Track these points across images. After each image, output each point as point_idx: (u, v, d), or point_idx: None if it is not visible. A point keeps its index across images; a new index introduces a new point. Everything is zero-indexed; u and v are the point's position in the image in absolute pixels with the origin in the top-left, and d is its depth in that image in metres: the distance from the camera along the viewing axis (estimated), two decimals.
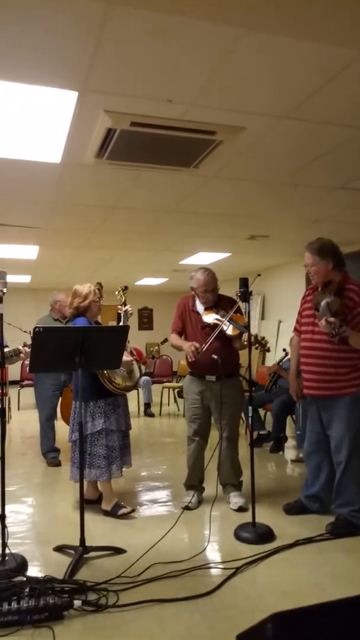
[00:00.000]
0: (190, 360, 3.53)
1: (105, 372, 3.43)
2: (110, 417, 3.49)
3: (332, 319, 2.91)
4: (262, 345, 3.62)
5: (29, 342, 2.96)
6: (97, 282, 4.20)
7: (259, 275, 3.80)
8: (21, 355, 3.15)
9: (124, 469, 3.61)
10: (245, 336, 3.36)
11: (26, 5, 1.93)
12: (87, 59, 2.30)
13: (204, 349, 3.47)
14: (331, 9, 1.97)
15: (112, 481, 3.53)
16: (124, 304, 3.94)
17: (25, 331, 3.02)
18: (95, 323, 3.73)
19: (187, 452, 3.77)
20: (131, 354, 3.80)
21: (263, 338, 3.67)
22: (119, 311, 3.91)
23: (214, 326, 3.54)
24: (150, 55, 2.29)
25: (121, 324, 3.89)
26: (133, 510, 3.55)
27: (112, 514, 3.50)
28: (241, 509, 3.51)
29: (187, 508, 3.55)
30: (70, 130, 3.04)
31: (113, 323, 3.94)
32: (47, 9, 1.95)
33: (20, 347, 3.16)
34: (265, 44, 2.21)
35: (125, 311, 3.87)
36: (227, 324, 3.50)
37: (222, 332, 3.51)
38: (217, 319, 3.56)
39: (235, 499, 3.59)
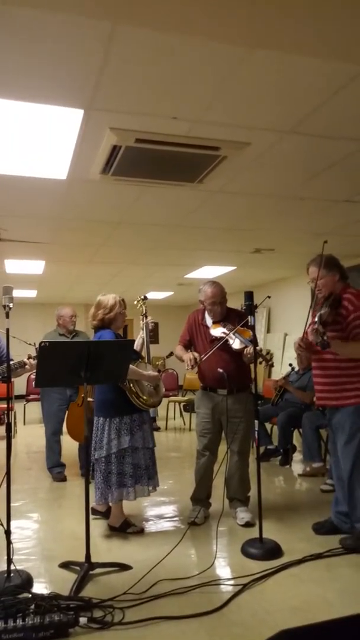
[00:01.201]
0: (186, 368, 3.55)
1: (132, 387, 3.35)
2: (135, 434, 3.38)
3: (315, 327, 3.02)
4: (267, 361, 3.63)
5: (34, 354, 2.97)
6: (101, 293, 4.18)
7: (268, 297, 3.80)
8: (26, 367, 3.13)
9: (153, 490, 3.49)
10: (247, 350, 3.36)
11: (33, 26, 1.97)
12: (93, 78, 2.34)
13: (203, 358, 3.47)
14: (334, 25, 2.01)
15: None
16: (145, 316, 3.87)
17: (29, 343, 3.01)
18: (118, 336, 3.57)
19: (196, 466, 3.75)
20: (158, 370, 3.71)
21: (268, 353, 3.68)
22: (141, 322, 3.86)
23: (220, 340, 3.55)
24: (155, 74, 2.33)
25: (144, 335, 3.81)
26: (142, 530, 3.50)
27: (120, 530, 3.46)
28: (248, 524, 3.48)
29: (193, 523, 3.52)
30: (76, 147, 3.08)
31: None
32: (54, 29, 1.99)
33: (25, 360, 3.14)
34: (269, 60, 2.24)
35: (146, 323, 3.80)
36: (233, 337, 3.50)
37: (230, 346, 3.51)
38: (224, 332, 3.56)
39: (242, 514, 3.56)
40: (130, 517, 3.57)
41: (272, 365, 3.71)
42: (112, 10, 1.90)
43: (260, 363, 3.55)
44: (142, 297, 4.02)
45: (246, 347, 3.43)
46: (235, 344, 3.48)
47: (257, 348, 3.42)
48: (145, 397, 3.42)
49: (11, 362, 3.10)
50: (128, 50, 2.14)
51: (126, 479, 3.32)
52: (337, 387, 3.16)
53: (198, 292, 3.77)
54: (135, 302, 3.94)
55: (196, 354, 3.52)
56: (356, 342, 3.11)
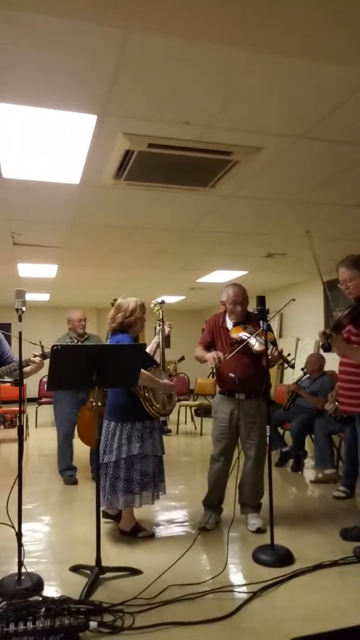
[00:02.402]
0: (210, 367, 3.54)
1: (147, 394, 3.32)
2: (146, 441, 3.35)
3: (323, 330, 3.12)
4: (287, 362, 3.60)
5: (38, 352, 2.97)
6: (113, 299, 4.19)
7: (293, 299, 3.73)
8: (33, 365, 3.09)
9: (158, 498, 3.48)
10: (270, 351, 3.33)
11: (47, 33, 1.99)
12: (106, 84, 2.36)
13: (227, 357, 3.45)
14: (347, 30, 2.00)
15: None
16: (162, 321, 3.81)
17: (34, 343, 2.99)
18: (135, 340, 3.53)
19: (210, 471, 3.72)
20: (170, 375, 3.71)
21: (289, 355, 3.65)
22: (158, 327, 3.81)
23: (240, 342, 3.53)
24: (168, 80, 2.34)
25: (158, 340, 3.77)
26: (153, 535, 3.49)
27: (131, 535, 3.46)
28: (259, 531, 3.45)
29: (203, 529, 3.51)
30: (89, 152, 3.10)
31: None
32: (68, 36, 2.01)
33: (31, 358, 3.13)
34: (280, 66, 2.24)
35: (162, 328, 3.75)
36: (254, 339, 3.47)
37: (250, 349, 3.49)
38: (244, 335, 3.54)
39: (254, 520, 3.54)
40: (141, 522, 3.56)
41: (292, 367, 3.65)
42: (125, 18, 1.92)
43: (282, 364, 3.53)
44: (160, 301, 3.99)
45: (267, 349, 3.38)
46: (257, 346, 3.45)
47: (279, 349, 3.41)
48: (158, 406, 3.38)
49: (14, 362, 3.11)
50: (140, 57, 2.16)
51: (133, 485, 3.30)
52: (355, 394, 3.13)
53: (220, 294, 3.79)
54: (152, 306, 3.92)
55: (220, 353, 3.47)
56: None
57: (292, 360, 3.66)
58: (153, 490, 3.39)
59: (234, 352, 3.46)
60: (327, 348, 3.13)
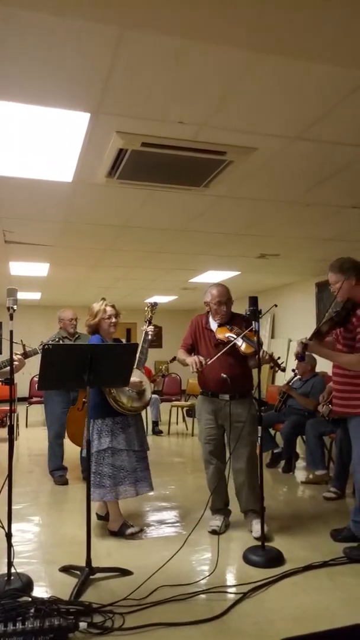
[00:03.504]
0: (192, 372, 3.49)
1: (112, 390, 3.41)
2: (117, 436, 3.43)
3: (300, 339, 3.18)
4: (277, 365, 3.57)
5: (20, 351, 2.95)
6: (101, 297, 4.18)
7: (275, 305, 3.77)
8: (15, 364, 3.09)
9: (144, 493, 3.51)
10: (261, 353, 3.32)
11: (41, 30, 1.98)
12: (100, 81, 2.34)
13: (209, 362, 3.42)
14: (343, 31, 2.00)
15: (120, 501, 3.49)
16: (149, 322, 3.83)
17: (16, 342, 2.97)
18: (114, 341, 3.69)
19: (207, 476, 3.67)
20: (162, 375, 3.73)
21: (279, 358, 3.63)
22: (143, 327, 3.84)
23: (226, 342, 3.51)
24: (163, 78, 2.33)
25: (141, 343, 3.77)
26: (141, 530, 3.51)
27: (120, 534, 3.46)
28: (264, 539, 3.27)
29: (214, 532, 3.46)
30: (82, 150, 3.09)
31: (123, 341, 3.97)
32: (62, 33, 1.99)
33: (14, 356, 3.10)
34: (276, 66, 2.24)
35: (146, 332, 3.78)
36: (241, 340, 3.46)
37: (236, 350, 3.48)
38: (230, 336, 3.52)
39: (258, 526, 3.34)
40: (131, 522, 3.55)
41: (283, 370, 3.64)
42: (120, 16, 1.90)
43: (272, 367, 3.51)
44: (152, 303, 3.99)
45: (254, 350, 3.37)
46: (243, 347, 3.45)
47: (269, 352, 3.39)
48: (123, 401, 3.45)
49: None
50: (135, 55, 2.15)
51: (105, 479, 3.37)
52: (347, 395, 3.14)
53: (204, 296, 3.75)
54: (146, 308, 3.93)
55: (201, 357, 3.45)
56: (349, 354, 3.09)
57: (282, 363, 3.64)
58: (135, 485, 3.44)
59: (218, 355, 3.43)
60: (301, 358, 3.21)
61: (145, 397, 3.64)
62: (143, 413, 8.44)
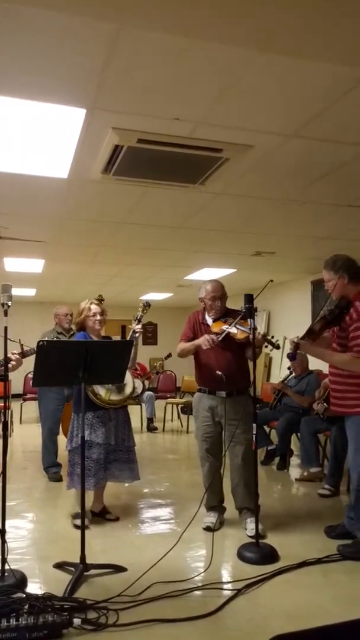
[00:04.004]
0: (204, 347, 3.43)
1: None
2: (97, 430, 3.53)
3: (291, 338, 3.20)
4: (272, 343, 3.56)
5: (17, 350, 2.95)
6: (99, 294, 4.19)
7: (271, 280, 3.70)
8: (12, 363, 3.07)
9: (128, 484, 3.69)
10: (250, 336, 3.31)
11: (37, 24, 1.96)
12: (96, 77, 2.33)
13: (219, 339, 3.41)
14: (340, 29, 2.00)
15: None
16: (138, 321, 3.83)
17: (13, 340, 2.97)
18: (103, 339, 3.76)
19: (202, 473, 3.68)
20: (135, 369, 3.79)
21: (272, 336, 3.61)
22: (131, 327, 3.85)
23: (223, 332, 3.47)
24: (159, 75, 2.32)
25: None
26: (118, 518, 3.68)
27: (100, 515, 3.74)
28: (258, 537, 3.28)
29: (208, 529, 3.47)
30: (77, 146, 3.07)
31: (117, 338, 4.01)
32: (58, 28, 1.98)
33: (10, 355, 3.10)
34: (273, 63, 2.23)
35: (133, 330, 3.79)
36: (235, 328, 3.44)
37: (233, 343, 3.47)
38: (225, 327, 3.51)
39: (252, 525, 3.33)
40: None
41: (278, 347, 3.60)
42: (118, 11, 1.89)
43: (266, 347, 3.49)
44: (145, 303, 3.98)
45: (248, 334, 3.32)
46: (238, 333, 3.42)
47: (262, 332, 3.37)
48: (101, 394, 3.53)
49: None
50: (132, 51, 2.14)
51: (86, 470, 3.47)
52: (342, 395, 3.14)
53: (198, 292, 3.76)
54: (141, 305, 3.93)
55: (213, 335, 3.43)
56: (341, 354, 3.09)
57: (276, 341, 3.61)
58: (101, 478, 3.57)
59: (222, 335, 3.41)
60: (292, 357, 3.25)
61: (125, 391, 3.69)
62: (137, 410, 8.48)
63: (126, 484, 3.65)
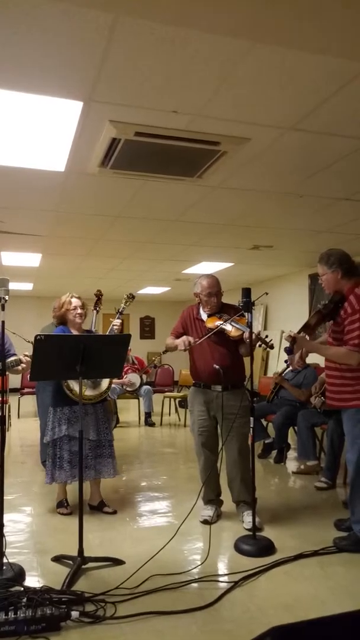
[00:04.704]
0: (180, 349, 3.51)
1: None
2: (74, 424, 3.57)
3: (289, 333, 3.20)
4: (266, 343, 3.55)
5: (30, 352, 2.95)
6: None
7: (266, 293, 3.78)
8: (22, 365, 3.10)
9: (96, 478, 3.71)
10: (245, 335, 3.32)
11: (33, 16, 1.95)
12: (93, 70, 2.32)
13: (197, 342, 3.45)
14: (338, 22, 1.99)
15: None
16: (120, 313, 3.91)
17: (29, 341, 2.99)
18: (85, 332, 3.81)
19: (199, 467, 3.68)
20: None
21: (266, 336, 3.59)
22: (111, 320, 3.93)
23: (217, 328, 3.48)
24: (157, 67, 2.31)
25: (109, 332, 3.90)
26: (70, 513, 3.70)
27: (58, 507, 3.79)
28: (255, 529, 3.27)
29: (205, 522, 3.48)
30: (74, 139, 3.06)
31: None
32: (56, 20, 1.96)
33: (22, 357, 3.12)
34: (271, 56, 2.22)
35: (113, 324, 3.86)
36: (230, 325, 3.43)
37: (228, 339, 3.47)
38: (220, 324, 3.51)
39: (249, 518, 3.34)
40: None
41: (272, 347, 3.61)
42: (115, 2, 1.88)
43: (260, 346, 3.49)
44: (128, 295, 4.02)
45: (243, 332, 3.34)
46: (233, 331, 3.42)
47: (255, 332, 3.38)
48: (76, 390, 3.53)
49: (12, 359, 3.10)
50: (129, 43, 2.12)
51: (64, 463, 3.61)
52: (338, 389, 3.15)
53: (193, 287, 3.74)
54: (125, 296, 3.97)
55: (190, 338, 3.48)
56: (337, 347, 3.10)
57: (270, 340, 3.60)
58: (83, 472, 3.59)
59: (206, 337, 3.44)
60: (289, 351, 3.26)
61: (100, 387, 3.71)
62: (135, 404, 8.50)
63: (124, 477, 3.65)
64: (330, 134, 3.03)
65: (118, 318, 3.92)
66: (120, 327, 3.90)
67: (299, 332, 3.19)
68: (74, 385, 3.56)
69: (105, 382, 3.73)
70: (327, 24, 2.01)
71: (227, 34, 2.06)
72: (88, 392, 3.61)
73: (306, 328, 3.18)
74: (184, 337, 3.50)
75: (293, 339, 3.15)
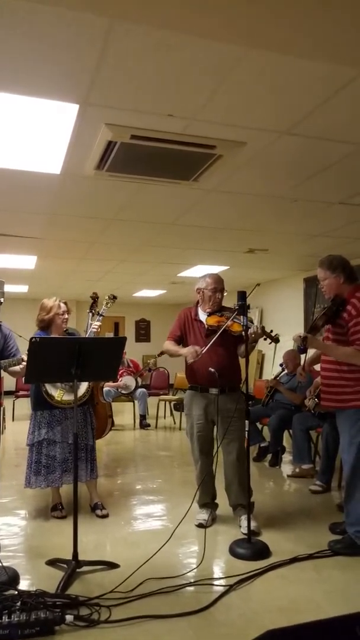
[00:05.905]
0: (189, 362, 3.45)
1: (44, 384, 3.56)
2: (54, 428, 3.62)
3: (298, 333, 3.23)
4: (271, 337, 3.53)
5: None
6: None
7: (258, 284, 3.78)
8: (23, 364, 3.11)
9: (82, 482, 3.68)
10: (250, 330, 3.28)
11: (29, 19, 1.95)
12: (89, 73, 2.32)
13: (204, 351, 3.38)
14: (332, 27, 2.00)
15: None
16: (98, 314, 3.93)
17: (19, 335, 3.00)
18: (68, 334, 3.84)
19: (196, 472, 3.67)
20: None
21: (271, 330, 3.57)
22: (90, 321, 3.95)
23: (218, 329, 3.45)
24: (153, 71, 2.31)
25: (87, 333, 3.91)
26: (64, 517, 3.66)
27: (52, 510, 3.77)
28: (253, 533, 3.26)
29: (200, 526, 3.47)
30: (70, 142, 3.06)
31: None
32: (52, 23, 1.97)
33: (24, 356, 3.12)
34: (266, 61, 2.23)
35: (92, 326, 3.87)
36: (231, 321, 3.41)
37: (227, 339, 3.45)
38: (222, 321, 3.50)
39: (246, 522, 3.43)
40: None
41: (277, 341, 3.58)
42: (110, 6, 1.88)
43: (265, 339, 3.49)
44: (110, 295, 4.03)
45: (243, 328, 3.29)
46: (235, 326, 3.39)
47: (260, 326, 3.39)
48: (53, 395, 3.59)
49: (7, 361, 3.10)
50: (125, 47, 2.13)
51: (41, 468, 3.64)
52: (336, 390, 3.16)
53: (197, 283, 3.72)
54: (106, 298, 3.99)
55: (197, 347, 3.41)
56: (345, 347, 3.11)
57: (275, 334, 3.57)
58: (61, 475, 3.64)
59: (212, 341, 3.38)
60: (302, 350, 3.29)
61: (77, 390, 3.68)
62: (130, 407, 8.48)
63: (118, 481, 3.64)
64: (324, 139, 3.05)
65: (98, 320, 3.93)
66: (99, 330, 3.89)
67: (308, 333, 3.23)
68: (52, 390, 3.60)
69: (83, 386, 3.70)
70: (321, 30, 2.02)
71: (222, 39, 2.07)
72: (66, 397, 3.61)
73: (314, 329, 3.23)
74: (191, 348, 3.44)
75: (304, 338, 3.16)
